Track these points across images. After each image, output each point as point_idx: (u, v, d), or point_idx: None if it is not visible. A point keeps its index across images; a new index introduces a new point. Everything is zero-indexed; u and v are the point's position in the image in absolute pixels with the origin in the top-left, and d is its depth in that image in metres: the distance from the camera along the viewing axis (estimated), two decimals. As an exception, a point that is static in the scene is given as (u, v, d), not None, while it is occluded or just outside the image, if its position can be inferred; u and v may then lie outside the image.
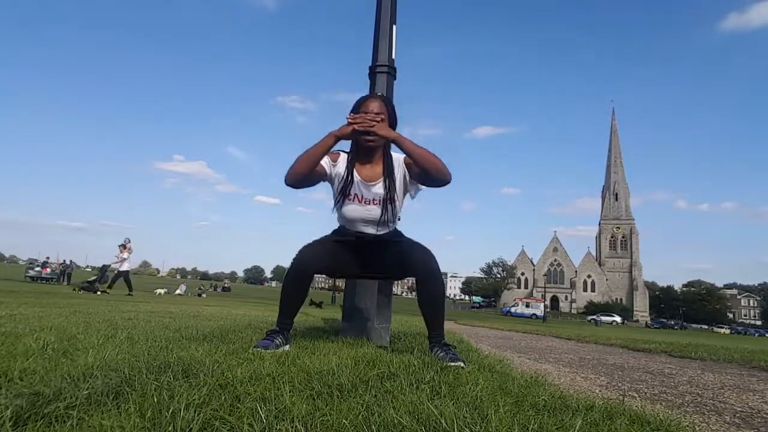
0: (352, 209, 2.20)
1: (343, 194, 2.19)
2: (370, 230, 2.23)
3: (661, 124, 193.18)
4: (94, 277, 12.90)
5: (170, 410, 0.92)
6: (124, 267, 12.46)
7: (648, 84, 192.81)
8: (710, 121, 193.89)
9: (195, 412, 0.94)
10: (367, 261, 2.28)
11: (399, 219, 2.32)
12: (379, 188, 2.19)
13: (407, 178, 2.21)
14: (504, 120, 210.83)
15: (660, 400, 1.82)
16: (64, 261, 30.63)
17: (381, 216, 2.18)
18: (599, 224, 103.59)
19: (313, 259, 2.12)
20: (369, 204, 2.19)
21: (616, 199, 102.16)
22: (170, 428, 0.86)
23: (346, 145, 2.19)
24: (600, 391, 1.94)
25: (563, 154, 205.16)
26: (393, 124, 2.20)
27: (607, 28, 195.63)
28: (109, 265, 12.96)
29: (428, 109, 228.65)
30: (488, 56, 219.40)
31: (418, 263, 2.15)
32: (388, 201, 2.18)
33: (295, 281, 2.11)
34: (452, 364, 1.82)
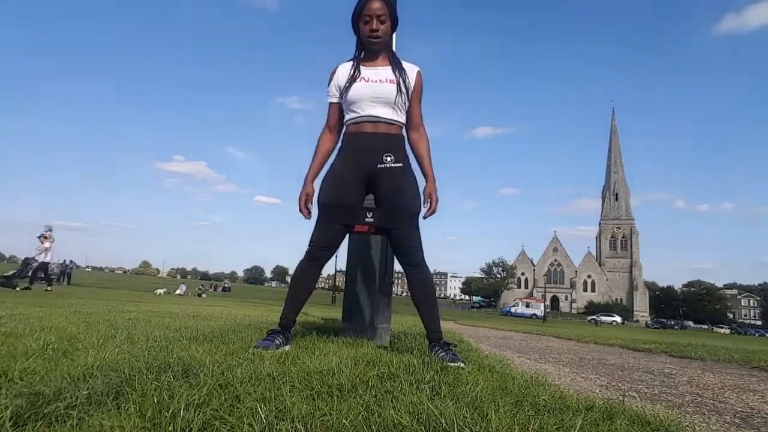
0: (359, 88, 2.10)
1: (351, 80, 2.12)
2: (381, 112, 2.10)
3: (661, 124, 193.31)
4: (12, 272, 11.78)
5: (170, 410, 0.92)
6: (46, 258, 11.48)
7: (648, 84, 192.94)
8: (709, 121, 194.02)
9: (195, 412, 0.94)
10: (371, 183, 2.11)
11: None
12: (387, 71, 2.12)
13: (412, 89, 2.16)
14: (504, 120, 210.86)
15: (660, 400, 1.82)
16: (64, 261, 30.61)
17: (395, 96, 2.08)
18: (599, 224, 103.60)
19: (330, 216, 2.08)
20: (377, 83, 2.10)
21: (616, 199, 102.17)
22: (170, 428, 0.86)
23: (348, 53, 2.23)
24: (600, 391, 1.94)
25: (563, 154, 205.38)
26: (395, 22, 2.16)
27: (606, 29, 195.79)
28: (33, 258, 11.66)
29: (428, 109, 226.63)
30: (488, 56, 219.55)
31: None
32: (401, 81, 2.10)
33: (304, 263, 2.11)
34: (452, 364, 1.81)
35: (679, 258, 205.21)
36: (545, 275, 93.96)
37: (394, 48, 2.28)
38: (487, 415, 1.08)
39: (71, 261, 30.24)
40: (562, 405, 1.30)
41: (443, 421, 0.99)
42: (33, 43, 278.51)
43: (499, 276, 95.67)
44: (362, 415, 1.01)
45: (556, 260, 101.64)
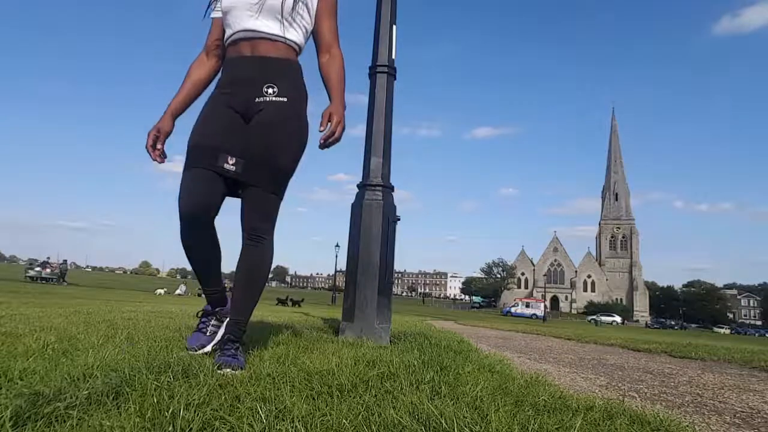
0: None
1: None
2: (263, 26, 1.63)
3: (661, 124, 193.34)
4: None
5: (170, 410, 0.92)
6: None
7: (648, 84, 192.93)
8: (709, 121, 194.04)
9: (195, 412, 0.94)
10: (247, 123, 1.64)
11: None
12: None
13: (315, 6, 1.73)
14: (503, 120, 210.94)
15: (660, 400, 1.82)
16: (64, 261, 30.72)
17: (284, 2, 1.62)
18: (599, 224, 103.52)
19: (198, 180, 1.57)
20: None
21: (616, 199, 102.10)
22: (170, 428, 0.86)
23: None
24: (600, 391, 1.94)
25: (563, 154, 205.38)
26: None
27: (606, 29, 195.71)
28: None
29: (428, 109, 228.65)
30: (488, 57, 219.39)
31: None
32: None
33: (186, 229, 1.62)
34: (220, 371, 1.38)
35: (679, 258, 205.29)
36: (545, 275, 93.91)
37: (393, 48, 2.27)
38: (487, 415, 1.08)
39: (65, 260, 30.69)
40: (562, 405, 1.30)
41: (443, 421, 0.99)
42: (33, 42, 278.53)
43: (499, 276, 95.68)
44: (362, 415, 1.02)
45: (556, 260, 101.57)
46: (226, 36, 1.70)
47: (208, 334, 1.78)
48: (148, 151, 1.65)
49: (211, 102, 1.68)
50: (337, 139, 1.59)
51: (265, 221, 1.64)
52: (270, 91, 1.61)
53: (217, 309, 1.83)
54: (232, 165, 1.58)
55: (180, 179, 1.61)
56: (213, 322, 1.80)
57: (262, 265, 1.67)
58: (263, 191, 1.62)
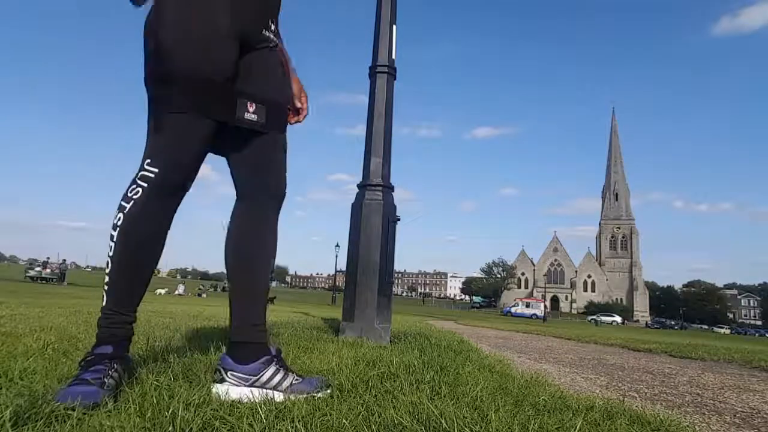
0: None
1: None
2: None
3: (661, 124, 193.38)
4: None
5: (170, 410, 0.92)
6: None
7: (648, 84, 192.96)
8: (709, 122, 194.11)
9: (195, 412, 0.94)
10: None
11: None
12: None
13: None
14: (503, 120, 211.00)
15: (660, 400, 1.82)
16: (63, 261, 30.77)
17: None
18: (599, 224, 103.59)
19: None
20: None
21: (616, 199, 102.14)
22: (170, 428, 0.86)
23: None
24: (600, 391, 1.94)
25: (563, 154, 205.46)
26: None
27: (606, 29, 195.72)
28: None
29: (428, 109, 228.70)
30: (488, 56, 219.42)
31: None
32: None
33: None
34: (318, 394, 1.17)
35: (679, 258, 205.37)
36: (545, 275, 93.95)
37: (394, 48, 2.26)
38: (487, 415, 1.08)
39: (64, 260, 30.82)
40: (562, 405, 1.30)
41: (443, 421, 0.99)
42: (33, 42, 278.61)
43: (499, 276, 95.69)
44: (362, 415, 1.01)
45: (556, 260, 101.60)
46: None
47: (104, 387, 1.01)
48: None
49: (211, 7, 1.15)
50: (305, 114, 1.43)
51: (284, 178, 1.34)
52: (273, 28, 1.30)
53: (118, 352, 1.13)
54: (253, 113, 1.22)
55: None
56: (112, 371, 1.07)
57: (273, 247, 1.31)
58: (282, 141, 1.31)
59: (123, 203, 1.14)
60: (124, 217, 1.13)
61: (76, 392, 0.94)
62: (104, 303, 1.15)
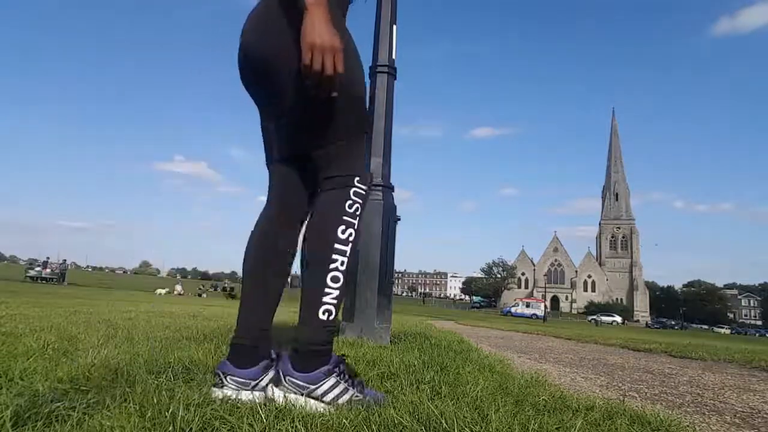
0: None
1: None
2: None
3: (661, 124, 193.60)
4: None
5: (170, 410, 0.92)
6: None
7: (648, 84, 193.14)
8: (709, 122, 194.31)
9: (195, 412, 0.94)
10: None
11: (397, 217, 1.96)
12: None
13: None
14: (504, 121, 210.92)
15: (660, 400, 1.82)
16: (64, 261, 30.78)
17: None
18: (599, 224, 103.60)
19: None
20: None
21: (616, 199, 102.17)
22: (170, 428, 0.86)
23: None
24: (600, 391, 1.94)
25: (563, 154, 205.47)
26: None
27: (606, 29, 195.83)
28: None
29: (428, 109, 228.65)
30: (488, 56, 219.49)
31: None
32: None
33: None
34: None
35: (679, 258, 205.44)
36: (545, 275, 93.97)
37: (394, 47, 2.26)
38: (487, 415, 1.08)
39: (64, 260, 30.83)
40: (562, 405, 1.30)
41: (443, 421, 0.99)
42: (33, 42, 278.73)
43: (499, 276, 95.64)
44: (362, 415, 1.01)
45: (556, 260, 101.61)
46: None
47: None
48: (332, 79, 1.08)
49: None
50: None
51: None
52: None
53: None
54: None
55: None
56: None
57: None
58: None
59: (352, 220, 1.18)
60: (356, 233, 1.19)
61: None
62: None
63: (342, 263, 1.13)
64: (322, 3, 1.04)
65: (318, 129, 1.17)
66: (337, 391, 1.10)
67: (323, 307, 1.12)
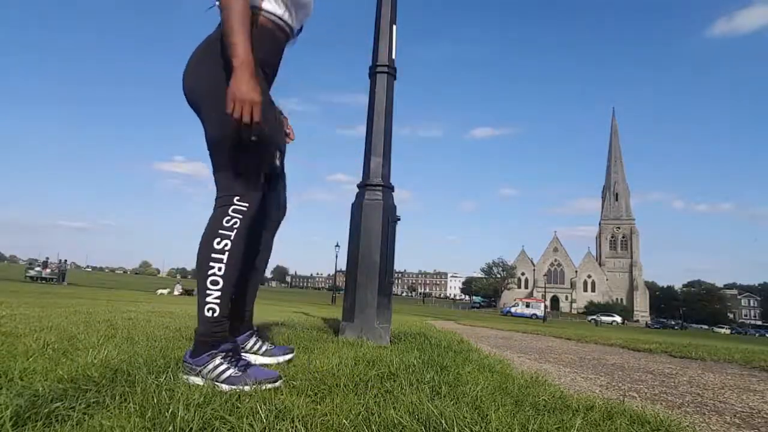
0: None
1: None
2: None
3: (661, 124, 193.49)
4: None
5: (170, 410, 0.92)
6: None
7: (647, 84, 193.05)
8: (708, 122, 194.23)
9: (195, 412, 0.94)
10: None
11: (398, 216, 2.13)
12: None
13: None
14: (503, 121, 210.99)
15: (660, 400, 1.81)
16: (63, 261, 30.77)
17: None
18: (599, 224, 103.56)
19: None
20: None
21: (616, 199, 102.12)
22: (170, 428, 0.86)
23: None
24: (600, 391, 1.94)
25: (563, 154, 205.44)
26: None
27: (606, 29, 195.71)
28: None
29: (428, 109, 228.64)
30: (488, 57, 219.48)
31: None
32: None
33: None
34: (285, 357, 1.77)
35: (679, 258, 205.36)
36: (545, 275, 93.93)
37: (394, 47, 2.26)
38: (487, 415, 1.08)
39: (64, 260, 30.82)
40: (562, 405, 1.30)
41: (443, 421, 0.99)
42: (33, 42, 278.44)
43: (499, 276, 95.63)
44: (362, 415, 1.01)
45: (556, 260, 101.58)
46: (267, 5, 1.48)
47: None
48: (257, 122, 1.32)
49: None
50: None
51: None
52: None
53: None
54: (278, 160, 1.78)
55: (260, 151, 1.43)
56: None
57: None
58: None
59: (227, 233, 1.43)
60: (232, 243, 1.44)
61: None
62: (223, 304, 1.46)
63: (219, 269, 1.36)
64: (248, 63, 1.29)
65: (214, 158, 1.46)
66: (218, 371, 1.32)
67: (207, 306, 1.35)
